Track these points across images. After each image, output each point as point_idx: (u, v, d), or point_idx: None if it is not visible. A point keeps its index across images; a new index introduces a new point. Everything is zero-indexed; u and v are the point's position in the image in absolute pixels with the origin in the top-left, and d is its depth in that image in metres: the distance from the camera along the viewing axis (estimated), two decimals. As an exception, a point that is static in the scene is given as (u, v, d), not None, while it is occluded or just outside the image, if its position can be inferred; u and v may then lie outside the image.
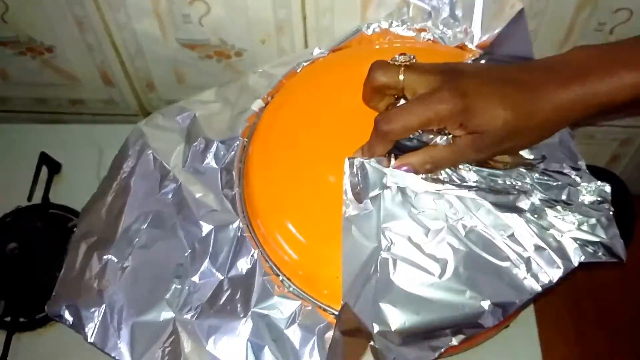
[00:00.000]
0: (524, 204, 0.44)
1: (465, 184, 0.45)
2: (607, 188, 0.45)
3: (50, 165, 0.71)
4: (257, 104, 0.58)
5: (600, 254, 0.43)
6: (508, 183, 0.45)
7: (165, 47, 0.69)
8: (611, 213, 0.45)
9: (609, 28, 0.63)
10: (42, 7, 0.65)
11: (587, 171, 0.47)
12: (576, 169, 0.47)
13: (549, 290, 0.44)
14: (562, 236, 0.43)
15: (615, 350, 0.75)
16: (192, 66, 0.71)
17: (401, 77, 0.45)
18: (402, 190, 0.44)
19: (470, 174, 0.46)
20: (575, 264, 0.43)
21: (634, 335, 0.76)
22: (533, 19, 0.62)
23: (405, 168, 0.44)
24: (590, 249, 0.43)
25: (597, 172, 0.49)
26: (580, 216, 0.44)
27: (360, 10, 0.63)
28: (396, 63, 0.46)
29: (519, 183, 0.45)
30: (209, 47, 0.68)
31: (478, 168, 0.46)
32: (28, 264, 0.63)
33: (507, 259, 0.42)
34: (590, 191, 0.45)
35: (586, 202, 0.45)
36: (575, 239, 0.43)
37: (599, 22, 0.63)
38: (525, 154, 0.47)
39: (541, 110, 0.43)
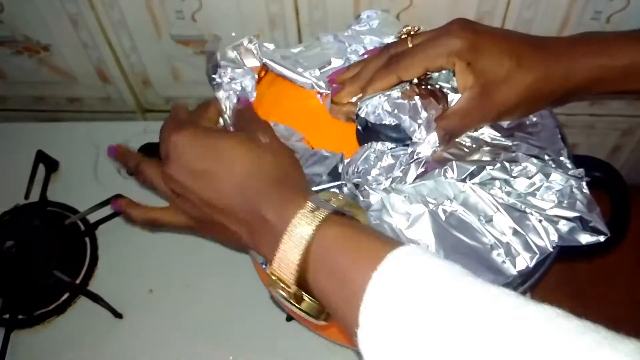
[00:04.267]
0: (503, 188, 0.44)
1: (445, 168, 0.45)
2: (581, 170, 0.46)
3: (47, 163, 0.72)
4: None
5: (580, 232, 0.44)
6: (489, 169, 0.44)
7: (159, 44, 0.69)
8: (586, 191, 0.45)
9: (605, 16, 0.62)
10: (37, 6, 0.66)
11: (566, 159, 0.47)
12: (555, 156, 0.47)
13: (540, 278, 0.44)
14: (540, 220, 0.44)
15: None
16: (187, 62, 0.71)
17: (409, 44, 0.47)
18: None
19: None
20: (551, 248, 0.43)
21: (637, 329, 0.75)
22: (528, 9, 0.62)
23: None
24: (569, 227, 0.44)
25: (590, 162, 0.49)
26: (558, 195, 0.44)
27: (353, 3, 0.62)
28: (403, 36, 0.49)
29: (498, 167, 0.45)
30: (203, 43, 0.68)
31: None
32: (26, 262, 0.63)
33: (487, 243, 0.43)
34: (567, 175, 0.45)
35: (563, 184, 0.45)
36: (554, 217, 0.44)
37: (595, 10, 0.62)
38: (507, 140, 0.47)
39: (547, 68, 0.45)
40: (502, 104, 0.46)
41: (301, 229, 0.37)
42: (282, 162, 0.43)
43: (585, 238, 0.44)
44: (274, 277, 0.38)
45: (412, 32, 0.49)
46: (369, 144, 0.46)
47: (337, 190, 0.44)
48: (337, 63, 0.52)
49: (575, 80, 0.46)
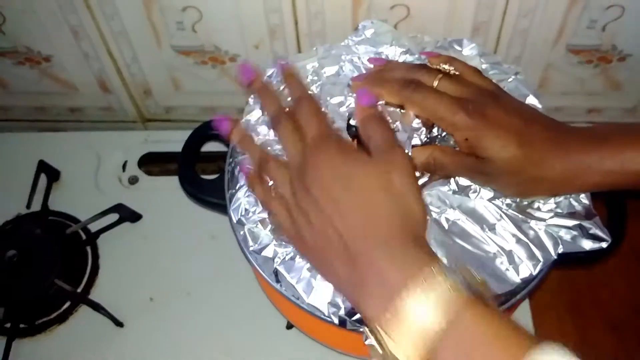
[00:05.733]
0: (503, 200, 0.45)
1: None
2: None
3: (49, 172, 0.72)
4: None
5: (582, 239, 0.44)
6: None
7: (160, 54, 0.69)
8: (585, 200, 0.45)
9: (600, 25, 0.63)
10: (39, 17, 0.66)
11: None
12: None
13: (539, 284, 0.45)
14: (541, 228, 0.44)
15: (616, 349, 0.75)
16: (188, 72, 0.72)
17: (435, 82, 0.45)
18: None
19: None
20: (554, 255, 0.44)
21: (636, 334, 0.75)
22: (525, 18, 0.62)
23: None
24: (570, 236, 0.44)
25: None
26: (556, 207, 0.45)
27: (351, 14, 0.63)
28: (436, 67, 0.47)
29: None
30: (204, 53, 0.69)
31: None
32: (27, 271, 0.63)
33: (490, 251, 0.43)
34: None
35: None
36: (554, 226, 0.44)
37: (590, 19, 0.63)
38: None
39: (553, 165, 0.42)
40: (495, 178, 0.44)
41: (434, 300, 0.33)
42: (418, 220, 0.40)
43: (588, 244, 0.44)
44: (378, 342, 0.35)
45: (450, 72, 0.47)
46: None
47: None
48: (330, 72, 0.52)
49: (582, 183, 0.43)
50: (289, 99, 0.47)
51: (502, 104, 0.44)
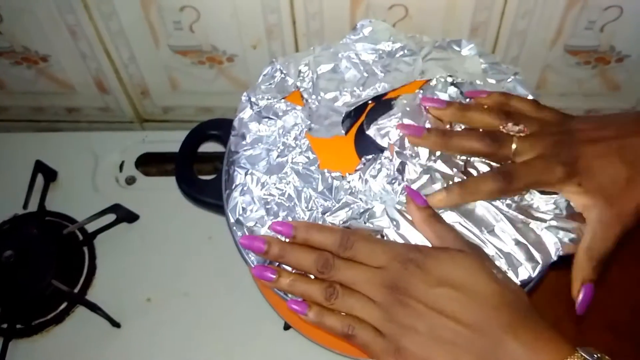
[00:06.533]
0: (503, 200, 0.45)
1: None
2: None
3: (46, 173, 0.72)
4: None
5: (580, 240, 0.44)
6: None
7: (157, 54, 0.69)
8: None
9: (599, 26, 0.63)
10: (36, 17, 0.66)
11: None
12: None
13: (537, 285, 0.45)
14: (541, 230, 0.44)
15: (616, 350, 0.75)
16: (185, 72, 0.72)
17: (514, 146, 0.44)
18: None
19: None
20: (554, 257, 0.43)
21: (634, 334, 0.75)
22: (522, 19, 0.62)
23: None
24: (569, 238, 0.44)
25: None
26: (557, 205, 0.45)
27: (349, 14, 0.63)
28: (509, 132, 0.45)
29: None
30: (201, 53, 0.69)
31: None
32: (24, 271, 0.63)
33: (488, 253, 0.43)
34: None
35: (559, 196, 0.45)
36: (554, 228, 0.44)
37: (588, 20, 0.63)
38: None
39: None
40: (629, 213, 0.43)
41: None
42: (523, 300, 0.40)
43: None
44: None
45: (520, 134, 0.45)
46: (370, 159, 0.46)
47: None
48: (325, 68, 0.52)
49: None
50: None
51: (579, 134, 0.45)
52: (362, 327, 0.41)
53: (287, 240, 0.43)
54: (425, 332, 0.39)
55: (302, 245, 0.43)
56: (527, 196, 0.45)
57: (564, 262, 0.44)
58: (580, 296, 0.43)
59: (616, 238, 0.43)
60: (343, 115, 0.49)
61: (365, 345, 0.41)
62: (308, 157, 0.47)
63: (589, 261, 0.43)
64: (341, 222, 0.44)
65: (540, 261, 0.43)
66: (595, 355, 0.36)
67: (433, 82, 0.50)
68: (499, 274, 0.40)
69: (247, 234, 0.46)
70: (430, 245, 0.42)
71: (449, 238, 0.42)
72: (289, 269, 0.43)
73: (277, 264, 0.44)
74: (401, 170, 0.45)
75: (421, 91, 0.49)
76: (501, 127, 0.45)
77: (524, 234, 0.44)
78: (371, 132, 0.47)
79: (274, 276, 0.42)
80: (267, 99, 0.50)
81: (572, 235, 0.44)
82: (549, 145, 0.44)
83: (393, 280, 0.40)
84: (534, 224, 0.44)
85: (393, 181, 0.45)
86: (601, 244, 0.43)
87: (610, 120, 0.46)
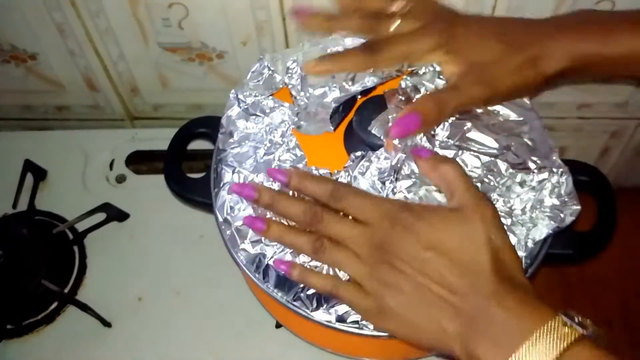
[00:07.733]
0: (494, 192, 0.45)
1: None
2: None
3: (35, 172, 0.71)
4: None
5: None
6: (480, 172, 0.45)
7: (147, 52, 0.69)
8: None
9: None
10: (24, 14, 0.65)
11: (557, 159, 0.47)
12: (540, 161, 0.46)
13: (531, 279, 0.45)
14: (530, 216, 0.44)
15: (610, 344, 0.75)
16: (175, 70, 0.71)
17: (391, 29, 0.47)
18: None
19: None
20: (540, 238, 0.44)
21: (631, 331, 0.75)
22: (513, 15, 0.62)
23: (412, 115, 0.43)
24: (555, 220, 0.44)
25: (576, 166, 0.49)
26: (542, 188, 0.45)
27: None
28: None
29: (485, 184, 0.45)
30: (190, 50, 0.68)
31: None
32: (14, 271, 0.63)
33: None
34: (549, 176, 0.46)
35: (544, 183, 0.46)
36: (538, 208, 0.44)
37: (579, 14, 0.62)
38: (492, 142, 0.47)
39: (537, 50, 0.45)
40: (491, 83, 0.45)
41: (552, 342, 0.34)
42: (520, 267, 0.40)
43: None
44: None
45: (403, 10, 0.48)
46: (359, 156, 0.46)
47: None
48: None
49: (568, 63, 0.45)
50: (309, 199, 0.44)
51: (461, 15, 0.48)
52: (345, 285, 0.41)
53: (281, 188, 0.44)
54: (410, 292, 0.39)
55: (293, 197, 0.44)
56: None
57: (554, 260, 0.45)
58: (402, 117, 0.44)
59: (478, 99, 0.45)
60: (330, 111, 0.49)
61: (349, 303, 0.42)
62: (295, 155, 0.47)
63: (431, 99, 0.44)
64: None
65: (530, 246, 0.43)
66: (577, 319, 0.36)
67: (422, 71, 0.49)
68: (498, 235, 0.39)
69: (235, 233, 0.45)
70: (423, 204, 0.42)
71: (460, 189, 0.41)
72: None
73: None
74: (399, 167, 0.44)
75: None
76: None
77: (512, 221, 0.44)
78: (374, 128, 0.47)
79: (264, 226, 0.43)
80: (255, 96, 0.50)
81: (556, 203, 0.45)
82: (429, 22, 0.46)
83: (380, 240, 0.40)
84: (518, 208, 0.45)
85: (385, 178, 0.44)
86: (454, 94, 0.44)
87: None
